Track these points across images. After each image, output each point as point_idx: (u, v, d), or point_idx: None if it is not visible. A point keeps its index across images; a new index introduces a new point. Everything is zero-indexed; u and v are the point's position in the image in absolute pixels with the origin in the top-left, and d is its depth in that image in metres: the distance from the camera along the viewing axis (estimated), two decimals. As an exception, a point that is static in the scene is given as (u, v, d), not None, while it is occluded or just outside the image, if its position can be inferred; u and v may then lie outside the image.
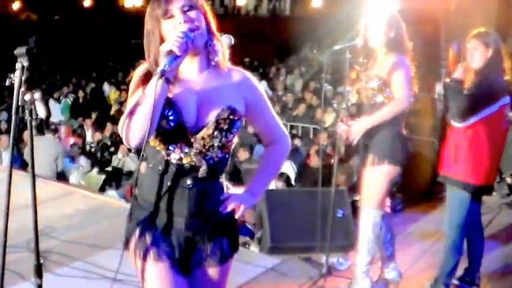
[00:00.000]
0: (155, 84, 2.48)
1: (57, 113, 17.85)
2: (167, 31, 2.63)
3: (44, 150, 10.74)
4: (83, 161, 11.96)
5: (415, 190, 7.44)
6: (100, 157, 12.99)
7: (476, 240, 5.06)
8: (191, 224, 2.78)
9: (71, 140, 13.95)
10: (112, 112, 17.53)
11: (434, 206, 6.93)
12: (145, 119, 2.51)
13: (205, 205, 2.78)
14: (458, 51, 5.15)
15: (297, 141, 11.59)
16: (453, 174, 4.79)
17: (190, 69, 2.72)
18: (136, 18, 26.46)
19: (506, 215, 7.34)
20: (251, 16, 24.25)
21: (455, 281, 5.14)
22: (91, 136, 14.70)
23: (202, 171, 2.73)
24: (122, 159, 12.07)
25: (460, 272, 5.13)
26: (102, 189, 10.76)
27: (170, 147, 2.71)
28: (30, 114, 3.21)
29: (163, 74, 2.47)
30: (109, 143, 13.54)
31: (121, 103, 17.66)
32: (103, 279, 5.17)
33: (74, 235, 6.26)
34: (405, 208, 7.05)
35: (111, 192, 10.53)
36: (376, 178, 4.90)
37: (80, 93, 19.34)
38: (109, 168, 11.93)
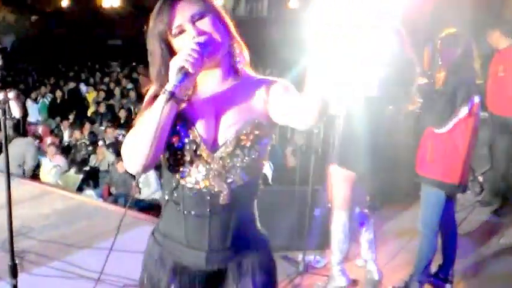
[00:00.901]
0: (163, 104, 2.14)
1: (35, 113, 17.72)
2: (180, 49, 2.23)
3: (19, 151, 10.71)
4: (61, 160, 11.86)
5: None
6: (78, 157, 12.91)
7: (450, 238, 5.08)
8: (213, 259, 2.39)
9: (49, 140, 13.84)
10: (89, 113, 17.43)
11: (410, 204, 6.94)
12: (148, 142, 2.16)
13: (231, 237, 2.37)
14: (433, 51, 5.17)
15: (273, 142, 11.60)
16: (429, 173, 4.79)
17: (209, 78, 2.36)
18: (114, 18, 26.33)
19: (479, 213, 7.38)
20: (229, 17, 24.21)
21: (429, 278, 5.16)
22: (68, 136, 14.60)
23: (223, 196, 2.31)
24: (100, 159, 11.99)
25: (434, 268, 5.14)
26: (80, 189, 10.71)
27: (185, 169, 2.31)
28: (4, 113, 3.16)
29: (172, 94, 2.14)
30: (87, 143, 13.45)
31: (98, 103, 17.57)
32: (80, 278, 5.14)
33: (51, 235, 6.23)
34: (382, 207, 7.08)
35: (89, 192, 10.49)
36: (337, 180, 4.92)
37: (58, 93, 19.20)
38: (87, 168, 11.87)
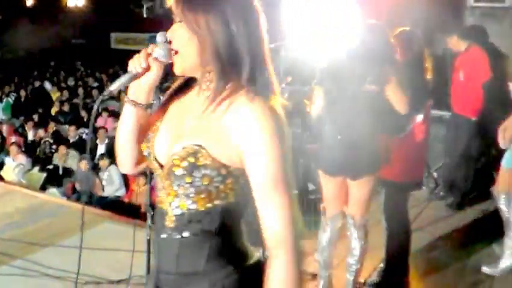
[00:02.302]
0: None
1: (-1, 111, 17.56)
2: None
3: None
4: (24, 159, 11.72)
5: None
6: (42, 155, 12.77)
7: (403, 234, 5.08)
8: (161, 282, 2.13)
9: (12, 139, 13.67)
10: (53, 112, 17.24)
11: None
12: (117, 145, 2.19)
13: (177, 262, 2.05)
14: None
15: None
16: (386, 174, 4.79)
17: (190, 90, 2.10)
18: (78, 18, 26.07)
19: (434, 208, 7.44)
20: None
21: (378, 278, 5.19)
22: (33, 136, 14.43)
23: (168, 219, 2.04)
24: (63, 158, 11.86)
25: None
26: (43, 188, 10.60)
27: (158, 184, 2.09)
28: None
29: (109, 92, 2.05)
30: (51, 141, 13.30)
31: (62, 102, 17.38)
32: (42, 276, 5.07)
33: (14, 233, 6.14)
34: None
35: (52, 190, 10.37)
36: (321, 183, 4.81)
37: (22, 92, 18.96)
38: (50, 167, 11.74)
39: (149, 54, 2.01)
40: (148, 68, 2.01)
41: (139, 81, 2.05)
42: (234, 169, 1.93)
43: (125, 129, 2.16)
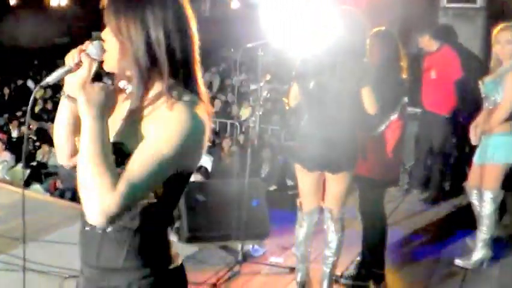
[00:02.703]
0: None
1: (-18, 109, 17.40)
2: None
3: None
4: (8, 156, 11.66)
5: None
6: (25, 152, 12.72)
7: (377, 228, 5.12)
8: (86, 274, 2.13)
9: (-4, 136, 13.60)
10: (37, 110, 17.15)
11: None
12: (54, 137, 2.24)
13: (96, 256, 2.04)
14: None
15: (214, 136, 11.72)
16: (362, 171, 4.81)
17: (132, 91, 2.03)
18: (62, 17, 25.91)
19: (409, 203, 7.53)
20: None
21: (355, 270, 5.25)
22: (17, 133, 14.35)
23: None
24: (47, 154, 11.82)
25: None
26: (27, 184, 10.55)
27: None
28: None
29: (46, 83, 1.99)
30: (34, 138, 13.24)
31: (46, 100, 17.28)
32: (26, 271, 5.06)
33: (-3, 228, 6.12)
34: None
35: (35, 186, 10.33)
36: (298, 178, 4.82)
37: (6, 90, 18.84)
38: (34, 163, 11.69)
39: (83, 50, 1.98)
40: (80, 64, 1.97)
41: (73, 76, 1.98)
42: None
43: (61, 122, 2.17)
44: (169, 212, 2.09)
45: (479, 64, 7.60)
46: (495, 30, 5.20)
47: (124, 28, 1.92)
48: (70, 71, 2.00)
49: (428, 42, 7.40)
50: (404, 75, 4.87)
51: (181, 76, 1.98)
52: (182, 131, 1.87)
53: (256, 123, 5.51)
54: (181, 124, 1.88)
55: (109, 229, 2.00)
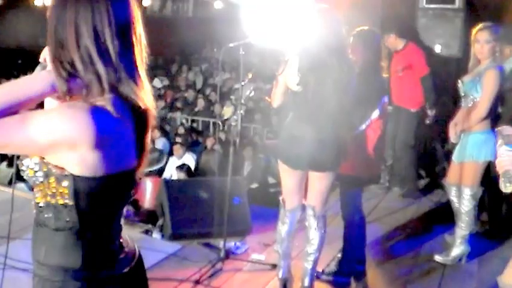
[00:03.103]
0: None
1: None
2: None
3: None
4: (-9, 155, 11.58)
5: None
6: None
7: (358, 225, 5.12)
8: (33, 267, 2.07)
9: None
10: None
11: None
12: None
13: (33, 250, 2.04)
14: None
15: (197, 135, 11.75)
16: (342, 169, 4.78)
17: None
18: (46, 17, 25.91)
19: (390, 201, 7.55)
20: (156, 17, 23.99)
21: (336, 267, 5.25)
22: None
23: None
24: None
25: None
26: (11, 183, 10.48)
27: None
28: None
29: None
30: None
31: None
32: (11, 269, 5.02)
33: (-19, 227, 6.05)
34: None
35: (20, 185, 10.25)
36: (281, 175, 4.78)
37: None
38: (18, 162, 11.61)
39: None
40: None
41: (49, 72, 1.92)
42: (52, 167, 1.86)
43: None
44: (94, 217, 1.96)
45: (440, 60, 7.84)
46: (474, 30, 5.23)
47: (50, 25, 1.88)
48: (44, 67, 1.98)
49: (393, 41, 7.51)
50: (384, 75, 4.88)
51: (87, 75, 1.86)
52: (53, 129, 1.78)
53: (238, 122, 5.49)
54: (58, 122, 1.78)
55: (38, 224, 1.99)
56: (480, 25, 5.22)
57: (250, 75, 5.58)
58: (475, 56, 5.26)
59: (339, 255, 5.25)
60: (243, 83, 5.51)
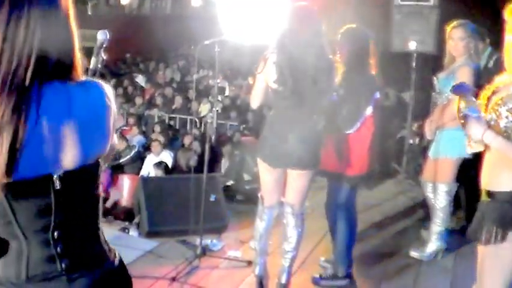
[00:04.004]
0: None
1: None
2: None
3: None
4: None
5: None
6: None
7: (352, 225, 5.06)
8: None
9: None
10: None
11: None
12: None
13: None
14: (334, 48, 5.12)
15: (174, 132, 11.72)
16: (338, 168, 4.75)
17: None
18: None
19: (366, 197, 7.49)
20: (134, 14, 23.88)
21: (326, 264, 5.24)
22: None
23: None
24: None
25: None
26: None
27: None
28: None
29: None
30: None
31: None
32: None
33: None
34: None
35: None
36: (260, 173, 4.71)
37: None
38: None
39: None
40: None
41: None
42: None
43: None
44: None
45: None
46: (448, 27, 5.22)
47: None
48: None
49: None
50: (373, 72, 4.81)
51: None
52: None
53: (214, 119, 5.45)
54: None
55: None
56: (454, 22, 5.20)
57: (228, 72, 5.53)
58: (450, 53, 5.24)
59: (332, 257, 5.19)
60: (218, 81, 5.45)
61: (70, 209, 1.83)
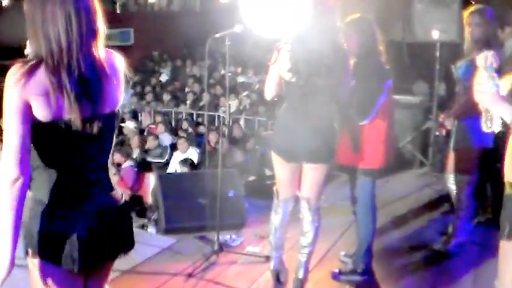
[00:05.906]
0: None
1: None
2: None
3: None
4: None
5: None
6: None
7: (372, 218, 5.00)
8: None
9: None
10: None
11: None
12: None
13: None
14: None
15: (202, 128, 11.65)
16: (357, 163, 4.72)
17: None
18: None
19: (389, 189, 7.43)
20: (163, 12, 23.99)
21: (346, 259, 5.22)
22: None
23: None
24: None
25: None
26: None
27: None
28: None
29: None
30: None
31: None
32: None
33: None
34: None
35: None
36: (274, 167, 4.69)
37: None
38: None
39: None
40: None
41: None
42: None
43: None
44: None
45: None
46: (465, 14, 5.10)
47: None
48: None
49: None
50: (383, 59, 4.73)
51: None
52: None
53: (227, 113, 5.42)
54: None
55: None
56: (471, 8, 5.09)
57: (239, 69, 5.49)
58: (468, 40, 5.11)
59: (353, 251, 5.14)
60: (229, 74, 5.41)
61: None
